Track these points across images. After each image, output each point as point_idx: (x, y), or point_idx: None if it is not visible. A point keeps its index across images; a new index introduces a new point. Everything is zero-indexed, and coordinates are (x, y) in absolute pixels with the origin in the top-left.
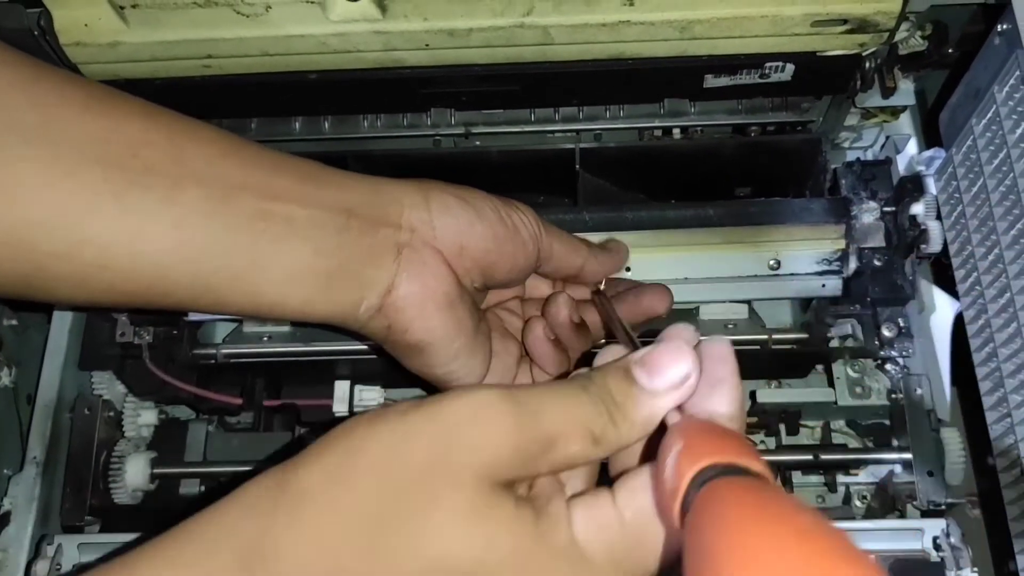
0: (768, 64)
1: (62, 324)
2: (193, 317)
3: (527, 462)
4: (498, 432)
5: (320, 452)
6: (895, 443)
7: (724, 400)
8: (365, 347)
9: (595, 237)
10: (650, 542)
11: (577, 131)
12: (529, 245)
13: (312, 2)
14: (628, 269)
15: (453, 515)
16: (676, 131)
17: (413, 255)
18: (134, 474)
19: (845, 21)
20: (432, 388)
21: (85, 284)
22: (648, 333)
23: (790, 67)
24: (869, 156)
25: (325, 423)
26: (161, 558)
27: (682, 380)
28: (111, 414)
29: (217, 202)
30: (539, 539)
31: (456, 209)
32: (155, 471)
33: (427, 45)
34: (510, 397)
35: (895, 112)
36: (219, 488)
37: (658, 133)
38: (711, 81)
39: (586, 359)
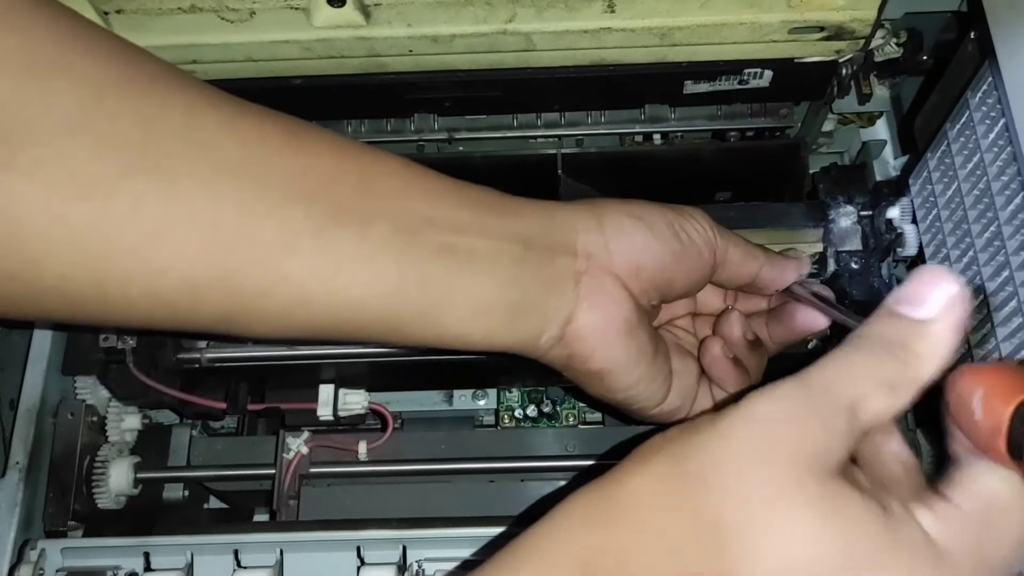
0: (747, 70)
1: (45, 328)
2: None
3: (842, 438)
4: (812, 421)
5: (643, 460)
6: None
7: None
8: (349, 351)
9: None
10: (999, 525)
11: (559, 136)
12: (705, 254)
13: (296, 8)
14: None
15: (805, 501)
16: (656, 137)
17: (592, 282)
18: (118, 479)
19: (822, 28)
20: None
21: (284, 320)
22: None
23: (768, 73)
24: (846, 161)
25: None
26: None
27: (951, 300)
28: (94, 419)
29: (406, 237)
30: (894, 535)
31: (630, 229)
32: (139, 476)
33: (411, 51)
34: (807, 388)
35: (871, 118)
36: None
37: (639, 138)
38: (691, 87)
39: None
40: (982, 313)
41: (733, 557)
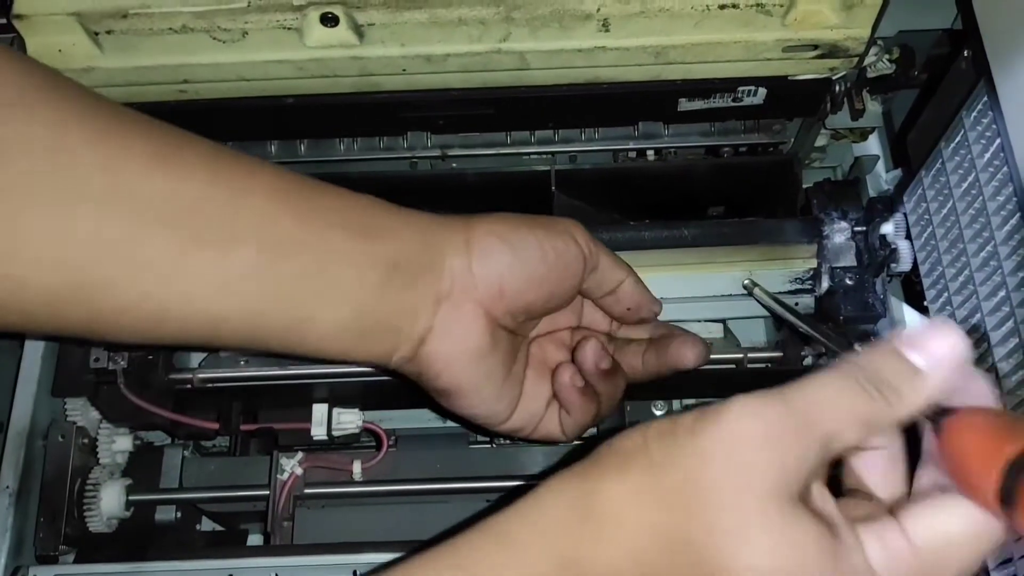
0: (741, 88)
1: (34, 350)
2: None
3: (811, 466)
4: (789, 445)
5: (620, 469)
6: None
7: (982, 388)
8: (342, 370)
9: None
10: (945, 565)
11: (552, 153)
12: (572, 268)
13: (289, 28)
14: None
15: (764, 531)
16: (650, 153)
17: (450, 309)
18: (109, 501)
19: (816, 47)
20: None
21: (145, 334)
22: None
23: (762, 91)
24: (838, 176)
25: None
26: (473, 558)
27: (952, 356)
28: (85, 441)
29: (269, 261)
30: (838, 560)
31: (496, 253)
32: (131, 498)
33: (404, 70)
34: (791, 409)
35: (863, 133)
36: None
37: (632, 155)
38: (685, 104)
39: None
40: (979, 332)
41: (692, 572)
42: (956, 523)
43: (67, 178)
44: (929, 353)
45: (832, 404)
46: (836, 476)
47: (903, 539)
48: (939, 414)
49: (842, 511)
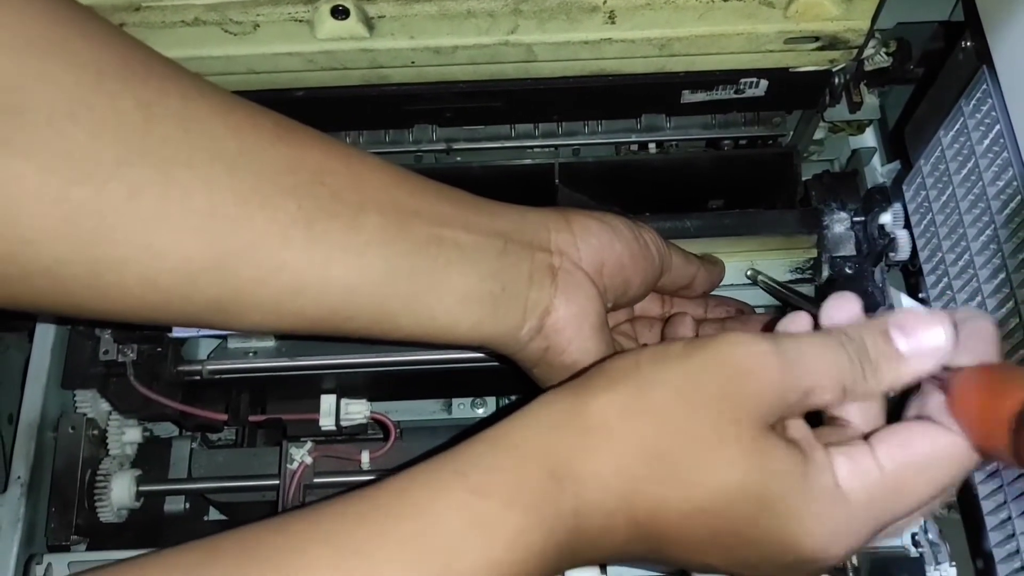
0: (743, 80)
1: (44, 343)
2: (177, 333)
3: (787, 408)
4: (770, 382)
5: (610, 385)
6: None
7: (987, 335)
8: (350, 361)
9: None
10: (907, 491)
11: (556, 146)
12: (656, 260)
13: (300, 21)
14: None
15: (739, 451)
16: (652, 146)
17: (567, 277)
18: (120, 492)
19: (817, 38)
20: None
21: (277, 309)
22: None
23: (764, 83)
24: (836, 168)
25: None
26: (471, 462)
27: (935, 349)
28: (95, 432)
29: (395, 228)
30: (807, 479)
31: (596, 229)
32: (141, 488)
33: (413, 63)
34: (781, 352)
35: (861, 126)
36: (206, 505)
37: (635, 148)
38: (688, 96)
39: None
40: None
41: (673, 485)
42: (925, 446)
43: (204, 148)
44: (915, 341)
45: (816, 359)
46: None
47: (872, 460)
48: (945, 372)
49: (817, 437)
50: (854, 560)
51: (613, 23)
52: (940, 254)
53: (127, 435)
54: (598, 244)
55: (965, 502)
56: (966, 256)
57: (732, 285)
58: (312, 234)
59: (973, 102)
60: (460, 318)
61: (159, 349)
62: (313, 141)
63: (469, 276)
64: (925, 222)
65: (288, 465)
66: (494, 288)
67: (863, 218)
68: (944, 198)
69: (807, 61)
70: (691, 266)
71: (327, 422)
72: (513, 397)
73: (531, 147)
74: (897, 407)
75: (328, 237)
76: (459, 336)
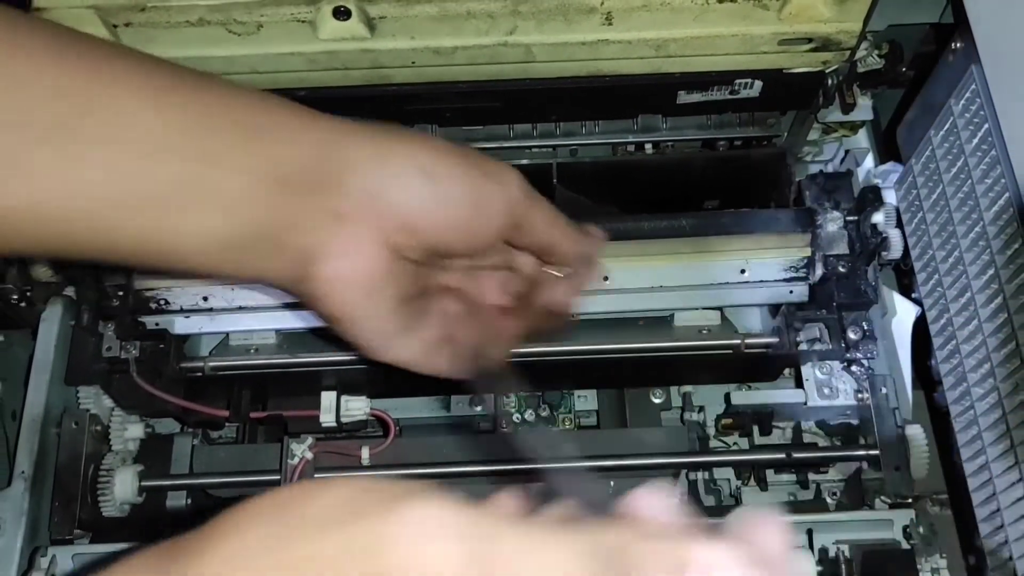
0: (738, 80)
1: (47, 340)
2: (180, 330)
3: None
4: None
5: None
6: (863, 440)
7: None
8: (352, 357)
9: None
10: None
11: (554, 146)
12: (496, 220)
13: (302, 21)
14: (606, 279)
15: None
16: (648, 146)
17: (347, 230)
18: (123, 487)
19: (810, 40)
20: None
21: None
22: None
23: (758, 83)
24: (830, 169)
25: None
26: None
27: None
28: (98, 428)
29: (139, 160)
30: None
31: (413, 186)
32: (143, 484)
33: (413, 63)
34: (467, 538)
35: (854, 127)
36: (206, 501)
37: (631, 148)
38: (684, 97)
39: None
40: (969, 310)
41: None
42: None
43: None
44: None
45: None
46: None
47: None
48: None
49: None
50: (846, 552)
51: (610, 24)
52: (931, 251)
53: (129, 431)
54: (410, 203)
55: (955, 495)
56: (956, 252)
57: (727, 284)
58: (18, 166)
59: (962, 102)
60: (196, 260)
61: (161, 346)
62: (44, 57)
63: (210, 221)
64: (916, 220)
65: (289, 461)
66: (243, 236)
67: (856, 217)
68: (935, 196)
69: (801, 62)
70: (554, 228)
71: (327, 418)
72: (512, 395)
73: (529, 147)
74: None
75: (39, 170)
76: (203, 271)
